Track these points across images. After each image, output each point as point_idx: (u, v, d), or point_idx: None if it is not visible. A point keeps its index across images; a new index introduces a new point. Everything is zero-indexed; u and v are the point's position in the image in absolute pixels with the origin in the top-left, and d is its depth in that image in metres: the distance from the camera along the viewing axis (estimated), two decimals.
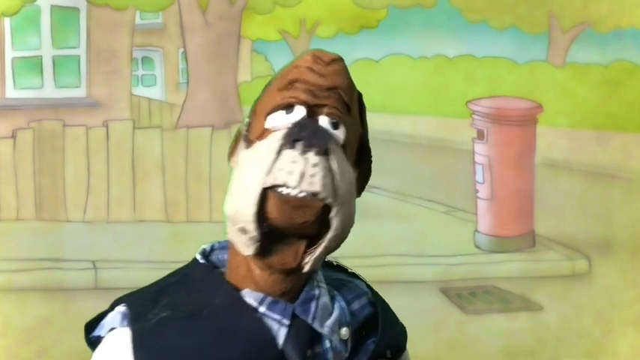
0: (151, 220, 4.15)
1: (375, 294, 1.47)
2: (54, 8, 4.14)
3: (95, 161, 4.13)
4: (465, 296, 4.21)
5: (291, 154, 1.22)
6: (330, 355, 1.33)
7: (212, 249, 1.41)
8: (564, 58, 4.29)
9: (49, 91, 4.17)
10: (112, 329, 1.36)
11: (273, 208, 1.23)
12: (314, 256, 1.28)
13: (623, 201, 4.24)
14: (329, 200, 1.24)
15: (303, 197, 1.22)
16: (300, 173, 1.21)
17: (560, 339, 4.19)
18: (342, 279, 1.45)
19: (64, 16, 4.15)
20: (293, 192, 1.22)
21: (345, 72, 1.32)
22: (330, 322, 1.33)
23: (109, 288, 3.99)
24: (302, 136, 1.22)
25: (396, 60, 4.26)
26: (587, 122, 4.27)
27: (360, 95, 1.39)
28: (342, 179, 1.24)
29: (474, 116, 4.25)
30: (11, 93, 4.12)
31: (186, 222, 4.16)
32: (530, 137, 4.28)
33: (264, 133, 1.28)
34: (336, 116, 1.28)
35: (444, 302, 4.17)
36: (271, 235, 1.26)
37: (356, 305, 1.41)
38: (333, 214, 1.25)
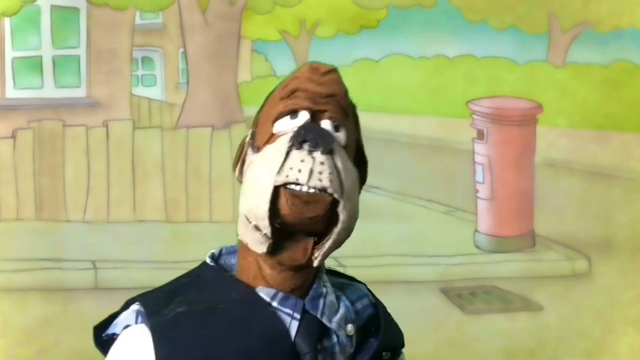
0: (151, 220, 4.15)
1: (375, 297, 1.55)
2: (54, 8, 4.14)
3: (95, 161, 4.13)
4: (465, 296, 4.21)
5: (299, 154, 1.32)
6: (337, 349, 1.41)
7: (220, 253, 1.50)
8: (564, 58, 4.29)
9: (49, 91, 4.17)
10: (126, 327, 1.41)
11: (284, 205, 1.33)
12: (323, 251, 1.37)
13: (623, 201, 4.24)
14: (336, 195, 1.33)
15: (314, 193, 1.32)
16: (309, 171, 1.31)
17: (560, 339, 4.20)
18: (344, 282, 1.53)
19: (64, 16, 4.15)
20: (304, 188, 1.32)
21: (341, 81, 1.41)
22: (337, 318, 1.41)
23: (109, 288, 3.99)
24: (308, 137, 1.32)
25: (396, 60, 4.26)
26: (587, 122, 4.27)
27: (354, 107, 1.47)
28: (346, 176, 1.35)
29: (474, 116, 4.26)
30: (11, 93, 4.12)
31: (186, 222, 4.16)
32: (530, 137, 4.28)
33: (271, 137, 1.37)
34: (337, 120, 1.38)
35: (444, 302, 4.17)
36: (282, 232, 1.35)
37: (359, 305, 1.49)
38: (340, 208, 1.35)
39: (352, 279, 1.58)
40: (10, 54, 4.12)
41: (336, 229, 1.36)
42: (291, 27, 4.29)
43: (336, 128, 1.38)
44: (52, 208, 4.08)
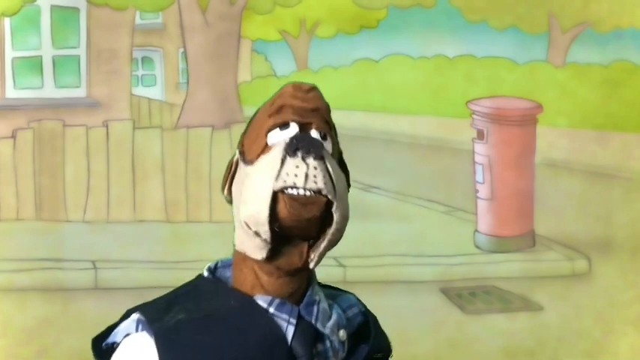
0: (151, 220, 4.16)
1: (364, 306, 1.63)
2: (54, 8, 4.14)
3: (95, 161, 4.14)
4: (465, 296, 4.21)
5: (294, 161, 1.42)
6: (330, 353, 1.50)
7: (216, 266, 1.56)
8: (564, 58, 4.30)
9: (49, 91, 4.18)
10: (127, 335, 1.47)
11: (283, 209, 1.41)
12: (318, 251, 1.46)
13: (623, 201, 4.24)
14: (330, 196, 1.43)
15: (310, 195, 1.41)
16: (304, 175, 1.41)
17: (560, 339, 4.20)
18: (335, 292, 1.61)
19: (64, 16, 4.16)
20: (301, 191, 1.41)
21: (322, 97, 1.52)
22: (331, 324, 1.50)
23: (109, 288, 4.00)
24: (301, 145, 1.43)
25: (396, 60, 4.27)
26: (587, 122, 4.27)
27: (333, 121, 1.56)
28: (337, 179, 1.44)
29: (474, 116, 4.26)
30: (11, 93, 4.12)
31: (186, 222, 4.17)
32: (530, 137, 4.28)
33: (264, 149, 1.46)
34: (324, 130, 1.48)
35: (444, 302, 4.17)
36: (279, 238, 1.44)
37: (350, 313, 1.58)
38: (334, 208, 1.44)
39: (342, 290, 1.64)
40: (10, 54, 4.12)
41: (331, 230, 1.45)
42: (291, 27, 4.29)
43: (324, 137, 1.47)
44: (52, 208, 4.09)
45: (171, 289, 1.53)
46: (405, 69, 4.25)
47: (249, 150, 1.49)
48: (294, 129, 1.46)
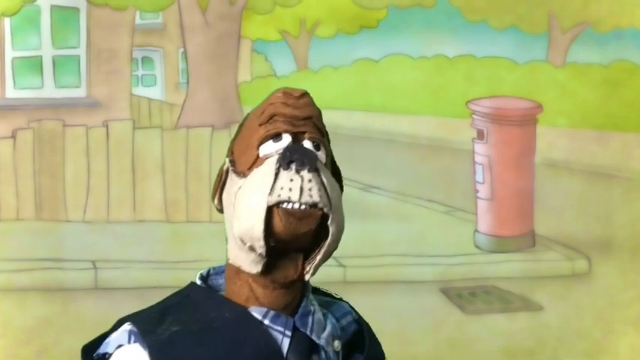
0: (151, 220, 4.16)
1: (358, 314, 1.62)
2: (54, 8, 4.14)
3: (95, 161, 4.14)
4: (465, 296, 4.21)
5: (288, 174, 1.39)
6: None
7: (208, 274, 1.54)
8: (564, 58, 4.30)
9: (49, 91, 4.17)
10: (119, 347, 1.43)
11: (278, 223, 1.39)
12: (314, 264, 1.44)
13: (623, 201, 4.24)
14: (326, 209, 1.40)
15: (305, 209, 1.38)
16: (299, 188, 1.38)
17: (560, 339, 4.20)
18: (328, 300, 1.60)
19: (64, 16, 4.15)
20: (296, 205, 1.38)
21: (314, 104, 1.48)
22: (325, 334, 1.48)
23: (109, 288, 4.00)
24: (294, 157, 1.39)
25: (396, 60, 4.27)
26: (587, 122, 4.27)
27: (325, 126, 1.54)
28: (332, 190, 1.42)
29: (474, 116, 4.26)
30: (11, 93, 4.12)
31: (186, 222, 4.17)
32: (530, 137, 4.28)
33: (256, 161, 1.43)
34: (317, 139, 1.45)
35: (444, 302, 4.17)
36: (273, 251, 1.41)
37: (344, 322, 1.57)
38: (329, 221, 1.41)
39: (335, 297, 1.63)
40: (10, 54, 4.12)
41: (326, 242, 1.43)
42: (291, 27, 4.29)
43: (317, 147, 1.44)
44: (52, 208, 4.09)
45: (166, 296, 1.51)
46: (405, 69, 4.25)
47: (240, 161, 1.46)
48: (286, 140, 1.43)
